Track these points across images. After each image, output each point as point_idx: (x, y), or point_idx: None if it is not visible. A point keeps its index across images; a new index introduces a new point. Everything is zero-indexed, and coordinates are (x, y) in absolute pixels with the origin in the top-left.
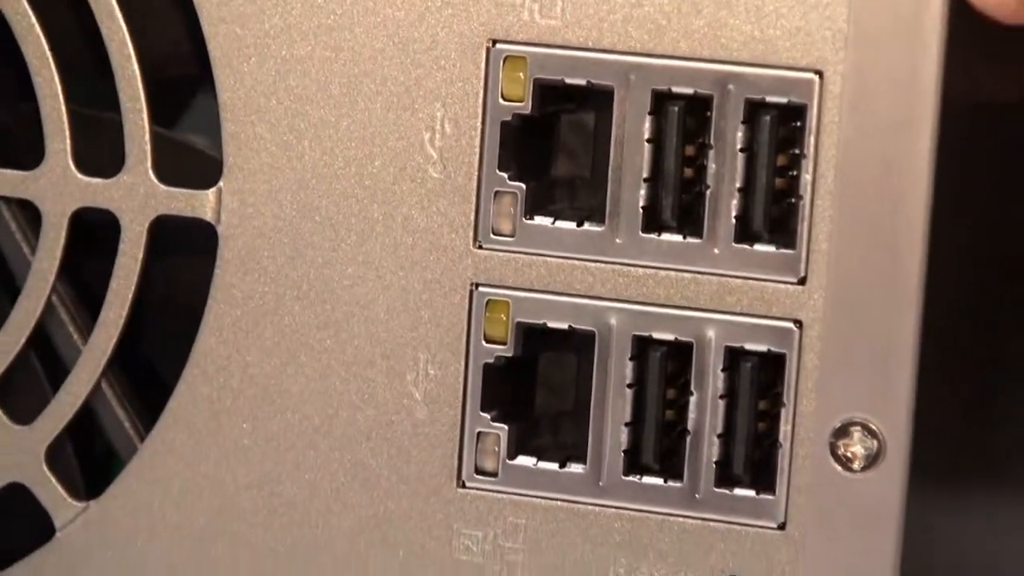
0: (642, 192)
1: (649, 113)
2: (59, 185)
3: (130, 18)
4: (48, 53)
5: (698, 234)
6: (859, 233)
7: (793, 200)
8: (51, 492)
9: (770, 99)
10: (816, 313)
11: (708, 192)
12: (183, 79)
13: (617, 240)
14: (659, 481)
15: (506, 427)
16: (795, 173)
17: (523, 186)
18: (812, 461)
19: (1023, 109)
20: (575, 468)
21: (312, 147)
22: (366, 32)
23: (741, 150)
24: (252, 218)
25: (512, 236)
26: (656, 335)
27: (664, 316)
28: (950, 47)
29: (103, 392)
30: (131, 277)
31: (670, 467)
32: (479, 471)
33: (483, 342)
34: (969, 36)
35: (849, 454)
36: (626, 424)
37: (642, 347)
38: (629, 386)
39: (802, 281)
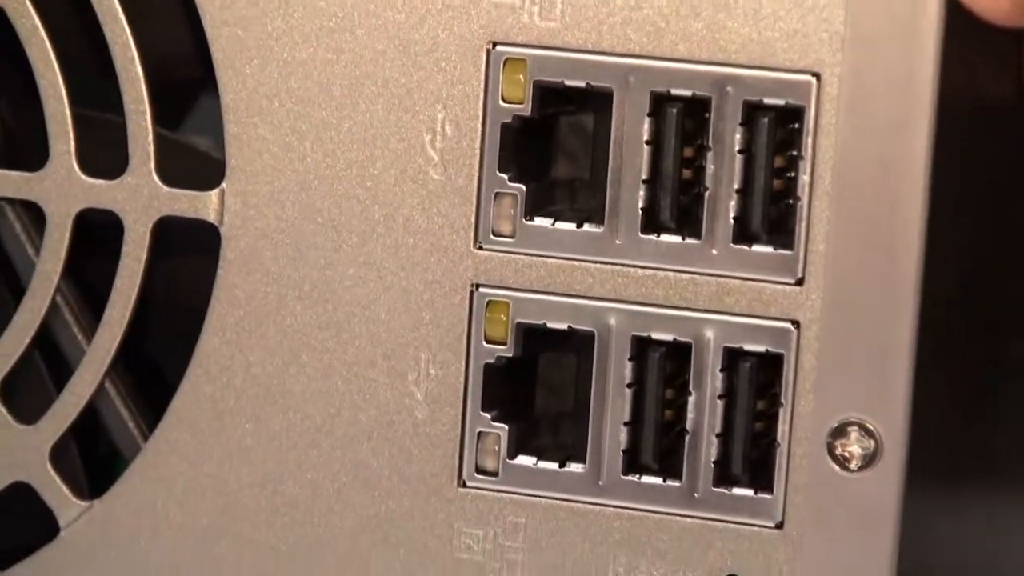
0: (641, 193)
1: (648, 115)
2: (63, 186)
3: (133, 20)
4: (52, 55)
5: (697, 235)
6: (856, 234)
7: (791, 201)
8: (55, 491)
9: (768, 101)
10: (814, 314)
11: (706, 193)
12: (186, 81)
13: (616, 241)
14: (658, 480)
15: (506, 427)
16: (793, 174)
17: (523, 187)
18: (810, 461)
19: (1021, 109)
20: (575, 468)
21: (314, 149)
22: (367, 34)
23: (739, 152)
24: (254, 219)
25: (512, 237)
26: (655, 335)
27: (663, 316)
28: (947, 49)
29: (107, 392)
30: (134, 278)
31: (669, 467)
32: (480, 470)
33: (483, 342)
34: (965, 38)
35: (846, 454)
36: (625, 424)
37: (641, 347)
38: (628, 386)
39: (800, 282)
